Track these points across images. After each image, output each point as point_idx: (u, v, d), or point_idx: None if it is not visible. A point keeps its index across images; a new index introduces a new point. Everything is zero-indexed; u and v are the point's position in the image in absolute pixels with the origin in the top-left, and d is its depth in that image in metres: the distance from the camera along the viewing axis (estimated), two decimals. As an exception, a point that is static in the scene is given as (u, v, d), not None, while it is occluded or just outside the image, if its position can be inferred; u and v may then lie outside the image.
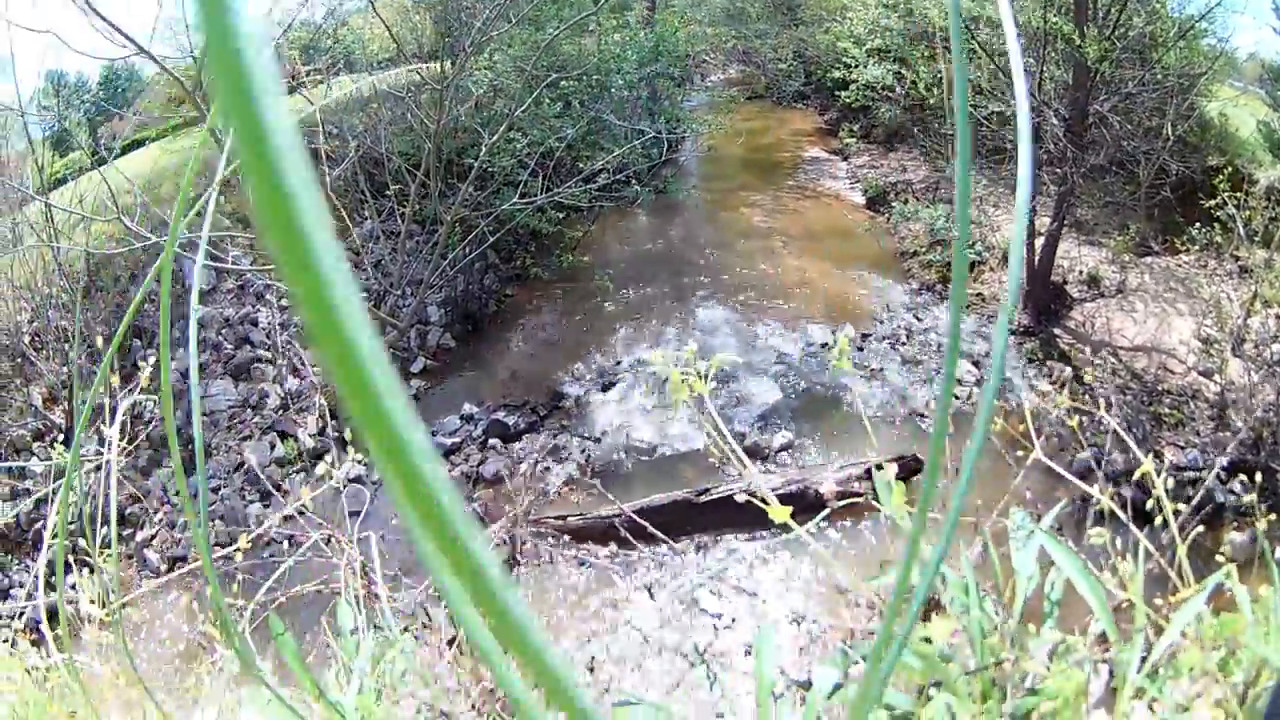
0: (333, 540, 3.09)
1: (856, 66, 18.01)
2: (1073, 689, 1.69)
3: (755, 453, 11.11)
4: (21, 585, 9.87)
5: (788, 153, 23.39)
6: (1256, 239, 12.02)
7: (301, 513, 3.24)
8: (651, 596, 8.62)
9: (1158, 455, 10.13)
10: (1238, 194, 12.01)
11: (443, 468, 0.29)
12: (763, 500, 1.95)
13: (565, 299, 15.80)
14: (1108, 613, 1.91)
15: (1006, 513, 2.15)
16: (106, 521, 2.29)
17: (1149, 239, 14.67)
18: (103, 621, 2.65)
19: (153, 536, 10.64)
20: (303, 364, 13.32)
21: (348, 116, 16.01)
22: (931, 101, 15.50)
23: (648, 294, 15.71)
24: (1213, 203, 12.19)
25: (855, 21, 19.23)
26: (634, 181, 16.42)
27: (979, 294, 14.63)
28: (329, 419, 10.52)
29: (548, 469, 11.30)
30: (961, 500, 0.67)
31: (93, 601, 2.68)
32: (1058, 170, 13.15)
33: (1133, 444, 2.60)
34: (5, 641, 2.98)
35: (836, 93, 20.36)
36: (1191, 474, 9.70)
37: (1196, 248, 13.03)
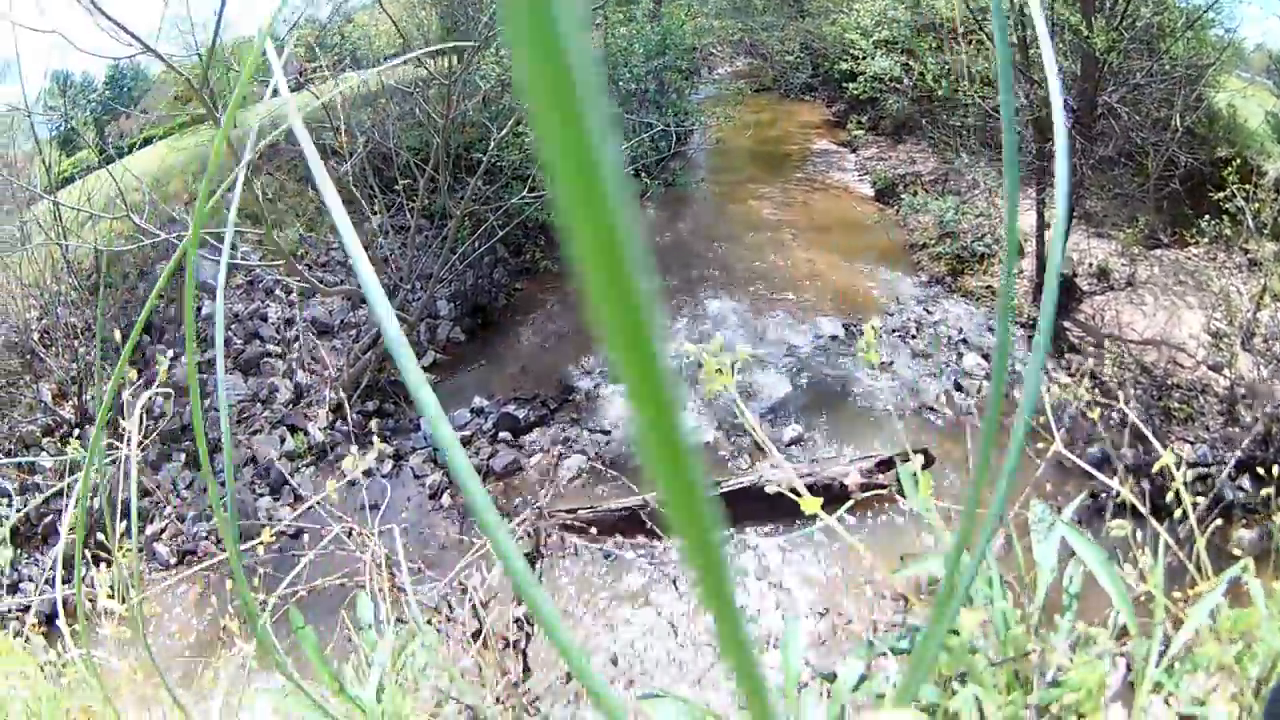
0: (354, 533, 3.09)
1: (864, 58, 17.93)
2: (1096, 680, 1.69)
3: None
4: (31, 579, 9.90)
5: (796, 145, 23.36)
6: (1265, 231, 11.99)
7: (321, 506, 3.24)
8: (677, 589, 8.64)
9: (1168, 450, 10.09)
10: (1246, 186, 11.96)
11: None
12: (794, 492, 1.95)
13: (575, 292, 15.76)
14: (1129, 605, 1.91)
15: (1027, 505, 2.14)
16: (126, 515, 2.29)
17: (1158, 231, 14.61)
18: (121, 617, 2.65)
19: (162, 530, 10.68)
20: (314, 359, 13.35)
21: (355, 112, 16.02)
22: (939, 93, 15.44)
23: (657, 286, 15.68)
24: (1221, 195, 12.15)
25: (862, 13, 19.14)
26: (642, 174, 16.43)
27: (988, 286, 14.60)
28: (347, 409, 10.53)
29: (563, 456, 11.32)
30: (1009, 488, 0.67)
31: (110, 596, 2.68)
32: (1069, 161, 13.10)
33: (1152, 437, 2.60)
34: (18, 636, 2.98)
35: (844, 84, 20.28)
36: (1201, 469, 9.68)
37: (1206, 240, 12.96)
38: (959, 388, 12.04)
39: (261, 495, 11.22)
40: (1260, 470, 3.14)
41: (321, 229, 16.35)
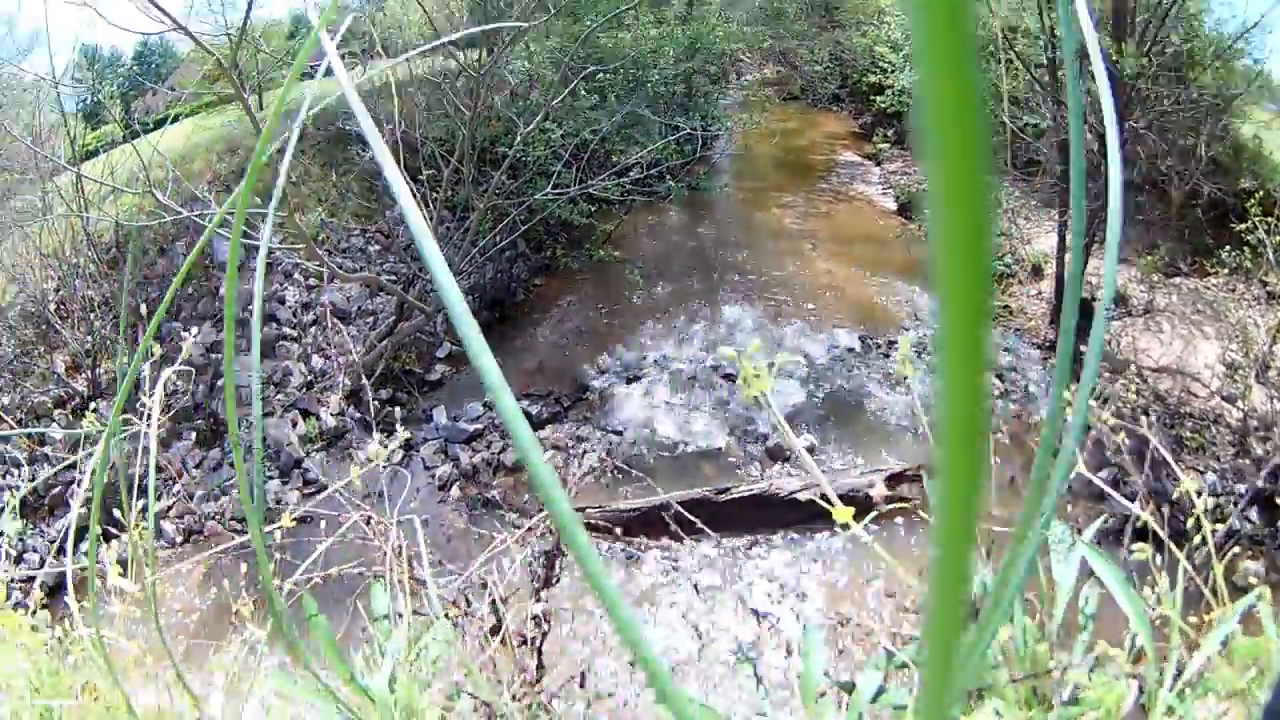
0: (372, 521, 3.09)
1: (893, 72, 17.97)
2: (1114, 700, 1.69)
3: (778, 455, 11.10)
4: (35, 550, 9.93)
5: (821, 155, 23.32)
6: (1285, 265, 11.95)
7: (338, 492, 3.24)
8: (698, 592, 8.66)
9: (1176, 479, 10.07)
10: (1269, 219, 11.91)
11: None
12: (824, 500, 1.95)
13: (593, 291, 15.81)
14: (1147, 627, 1.91)
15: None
16: (144, 492, 2.29)
17: (1178, 259, 14.56)
18: (134, 596, 2.64)
19: (169, 508, 10.70)
20: (330, 345, 13.38)
21: (384, 102, 16.08)
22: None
23: (676, 290, 15.72)
24: (1243, 226, 12.10)
25: (893, 26, 19.18)
26: (667, 177, 16.44)
27: (1005, 306, 14.56)
28: (367, 394, 10.55)
29: (584, 453, 11.34)
30: (1053, 506, 0.67)
31: (121, 574, 2.66)
32: (1089, 185, 13.08)
33: (1174, 464, 2.59)
34: (24, 609, 2.96)
35: (871, 97, 20.34)
36: (1210, 500, 9.64)
37: (1225, 271, 12.92)
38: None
39: (271, 478, 11.25)
40: (1275, 501, 3.15)
41: (343, 215, 16.38)
